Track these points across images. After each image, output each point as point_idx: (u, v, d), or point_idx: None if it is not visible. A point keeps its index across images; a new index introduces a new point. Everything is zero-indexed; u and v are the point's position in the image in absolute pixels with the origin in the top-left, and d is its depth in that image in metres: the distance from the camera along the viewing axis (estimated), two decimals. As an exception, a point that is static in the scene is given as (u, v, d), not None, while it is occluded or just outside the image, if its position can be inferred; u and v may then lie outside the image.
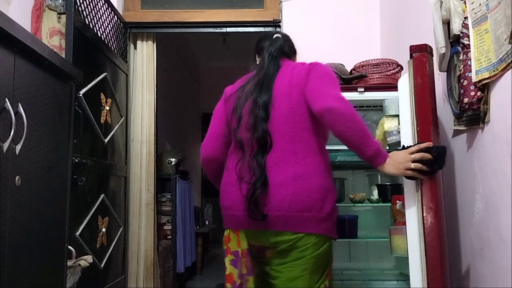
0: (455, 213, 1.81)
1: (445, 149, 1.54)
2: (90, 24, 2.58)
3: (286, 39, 1.82)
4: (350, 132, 1.45)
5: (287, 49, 1.77)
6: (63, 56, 2.26)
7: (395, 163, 1.48)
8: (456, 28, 1.65)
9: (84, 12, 2.49)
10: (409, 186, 1.57)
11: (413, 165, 1.48)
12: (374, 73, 2.22)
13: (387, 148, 1.98)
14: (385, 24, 2.98)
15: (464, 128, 1.68)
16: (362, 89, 2.21)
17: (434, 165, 1.50)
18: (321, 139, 1.60)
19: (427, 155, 1.48)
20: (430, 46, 1.63)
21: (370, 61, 2.26)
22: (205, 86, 6.69)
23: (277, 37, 1.78)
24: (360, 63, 2.28)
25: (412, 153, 1.49)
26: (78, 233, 2.25)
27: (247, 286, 1.57)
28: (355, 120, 1.45)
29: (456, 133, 1.78)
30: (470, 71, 1.54)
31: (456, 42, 1.71)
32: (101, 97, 2.62)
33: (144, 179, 3.28)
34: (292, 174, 1.51)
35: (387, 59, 2.29)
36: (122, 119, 2.99)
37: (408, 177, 1.54)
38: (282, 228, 1.50)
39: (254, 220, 1.50)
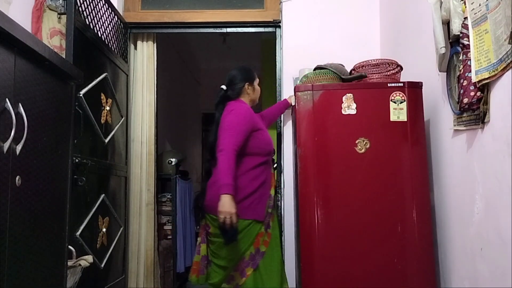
0: (455, 213, 1.81)
1: (233, 235, 2.10)
2: (91, 24, 2.58)
3: (232, 82, 2.41)
4: (220, 172, 2.13)
5: (229, 93, 2.40)
6: (64, 56, 2.26)
7: (224, 202, 2.05)
8: (455, 28, 1.65)
9: (84, 12, 2.49)
10: None
11: (221, 217, 2.05)
12: (374, 73, 2.22)
13: None
14: (385, 24, 2.98)
15: (464, 128, 1.68)
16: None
17: (225, 233, 2.10)
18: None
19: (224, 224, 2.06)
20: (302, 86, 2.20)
21: (370, 61, 2.25)
22: (205, 86, 6.69)
23: (221, 88, 2.43)
24: (360, 63, 2.28)
25: (229, 213, 2.04)
26: (78, 233, 2.25)
27: (201, 250, 2.37)
28: (223, 167, 2.12)
29: (456, 133, 1.78)
30: (470, 71, 1.55)
31: (456, 42, 1.71)
32: (102, 97, 2.62)
33: (144, 179, 3.28)
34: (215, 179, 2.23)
35: (387, 59, 2.29)
36: (123, 119, 2.99)
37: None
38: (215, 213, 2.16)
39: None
